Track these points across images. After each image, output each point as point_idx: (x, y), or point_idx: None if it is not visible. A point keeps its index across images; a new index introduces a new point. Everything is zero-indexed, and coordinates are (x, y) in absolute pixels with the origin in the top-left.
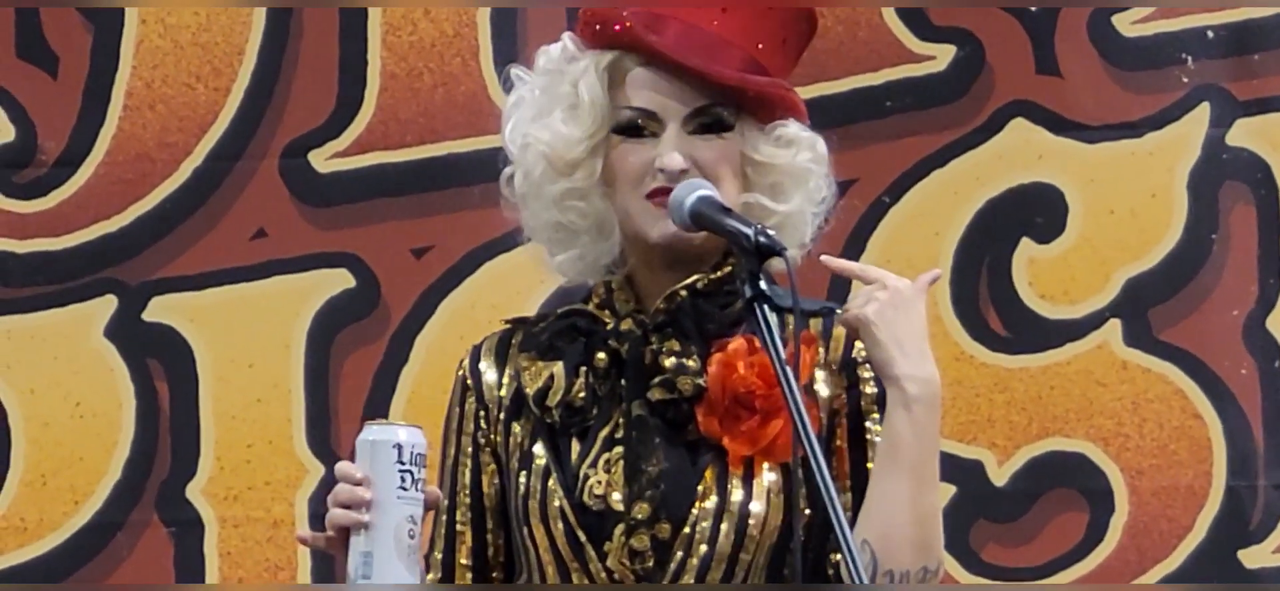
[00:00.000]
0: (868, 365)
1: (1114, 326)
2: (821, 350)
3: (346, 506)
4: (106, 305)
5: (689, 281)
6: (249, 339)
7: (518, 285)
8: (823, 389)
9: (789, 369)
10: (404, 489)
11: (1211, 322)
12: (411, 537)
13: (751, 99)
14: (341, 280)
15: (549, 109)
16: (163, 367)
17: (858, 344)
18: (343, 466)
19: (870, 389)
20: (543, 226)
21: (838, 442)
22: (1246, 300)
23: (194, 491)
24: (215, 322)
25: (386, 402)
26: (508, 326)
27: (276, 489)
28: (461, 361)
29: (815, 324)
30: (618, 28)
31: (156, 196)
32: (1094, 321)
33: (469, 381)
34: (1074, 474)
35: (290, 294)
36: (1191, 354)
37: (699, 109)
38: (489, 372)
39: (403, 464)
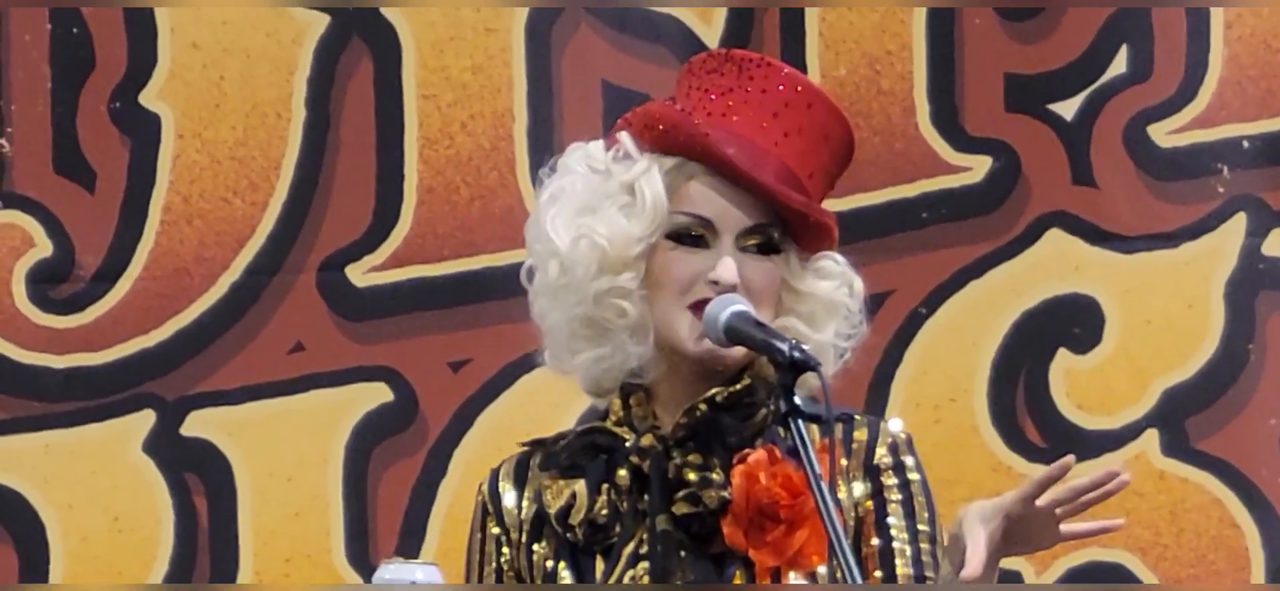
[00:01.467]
0: (891, 471)
1: (1151, 436)
2: (844, 458)
3: None
4: (144, 420)
5: (709, 395)
6: (287, 453)
7: (555, 398)
8: (845, 495)
9: (823, 485)
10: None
11: (1249, 432)
12: None
13: (803, 226)
14: (379, 394)
15: (595, 206)
16: (201, 482)
17: (879, 449)
18: None
19: (895, 495)
20: (570, 322)
21: (866, 549)
22: None
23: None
24: (253, 437)
25: (424, 516)
26: (525, 448)
27: None
28: (480, 486)
29: (838, 429)
30: (691, 134)
31: (194, 311)
32: (1131, 432)
33: (489, 506)
34: (1112, 584)
35: (328, 408)
36: (1229, 463)
37: (756, 227)
38: (508, 495)
39: None
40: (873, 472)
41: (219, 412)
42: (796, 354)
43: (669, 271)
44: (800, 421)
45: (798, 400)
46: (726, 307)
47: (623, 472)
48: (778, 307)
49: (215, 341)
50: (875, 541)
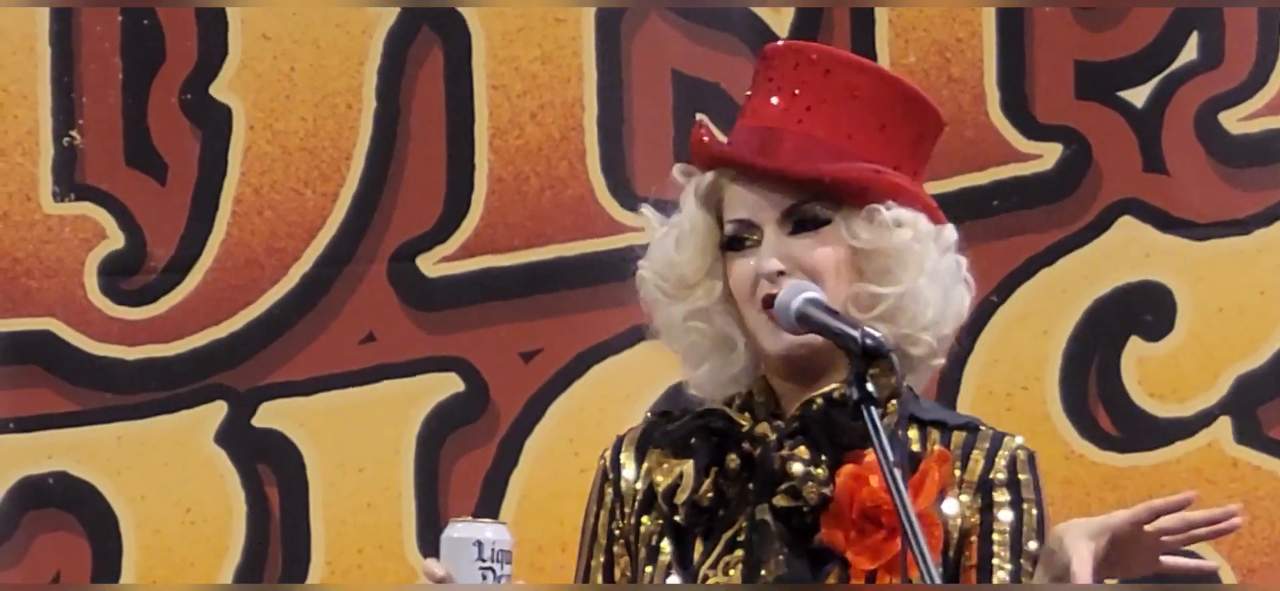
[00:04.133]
0: (1004, 488)
1: (1224, 424)
2: (958, 468)
3: None
4: (216, 411)
5: (825, 390)
6: (359, 444)
7: (626, 388)
8: (951, 506)
9: (897, 474)
10: (484, 581)
11: None
12: None
13: (844, 189)
14: (451, 384)
15: (664, 239)
16: (273, 472)
17: (998, 462)
18: (426, 564)
19: (1004, 515)
20: (678, 349)
21: (966, 564)
22: None
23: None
24: (325, 427)
25: (496, 506)
26: (652, 419)
27: None
28: (604, 452)
29: (958, 438)
30: (706, 147)
31: (265, 301)
32: (1204, 419)
33: (609, 472)
34: (1186, 572)
35: (399, 398)
36: None
37: (790, 209)
38: (628, 465)
39: (484, 561)
40: (985, 488)
41: (290, 403)
42: (868, 341)
43: (734, 280)
44: (872, 410)
45: (871, 389)
46: (797, 295)
47: (733, 458)
48: (854, 275)
49: (286, 332)
50: (975, 558)
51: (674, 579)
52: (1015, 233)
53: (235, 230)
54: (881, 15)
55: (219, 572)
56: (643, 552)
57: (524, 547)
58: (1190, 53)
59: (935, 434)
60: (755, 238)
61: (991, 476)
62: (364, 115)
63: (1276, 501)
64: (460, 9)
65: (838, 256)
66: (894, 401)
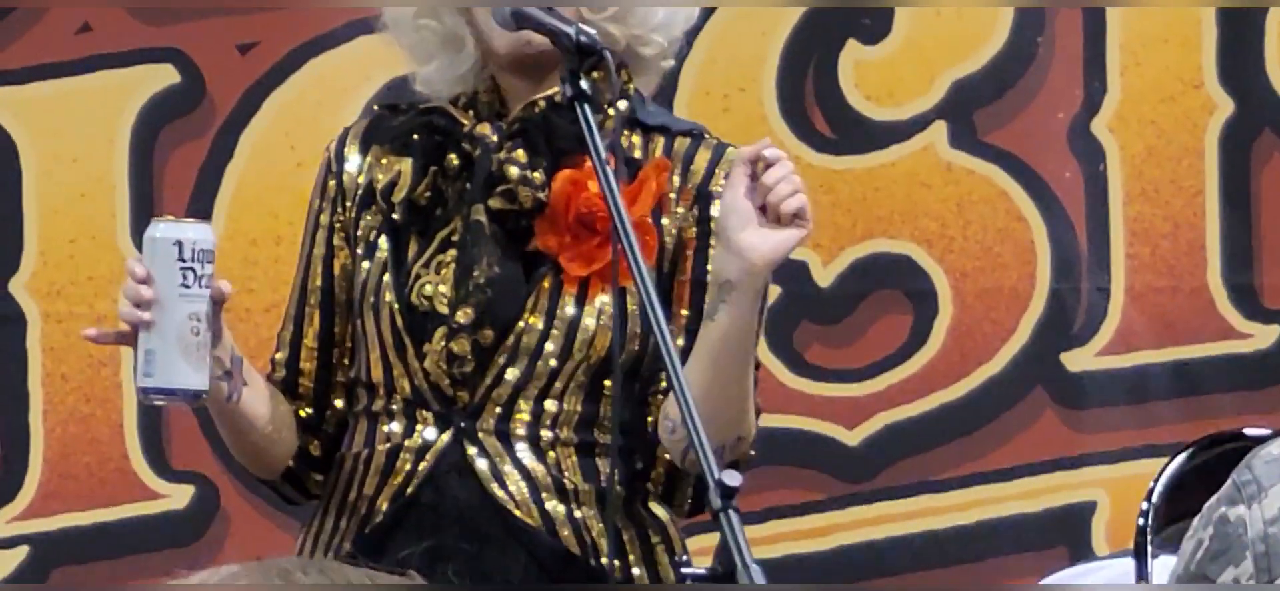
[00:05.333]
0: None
1: (939, 128)
2: (678, 176)
3: (134, 303)
4: None
5: (548, 93)
6: (73, 133)
7: (344, 83)
8: (671, 216)
9: (610, 175)
10: (186, 287)
11: (1037, 125)
12: (195, 334)
13: None
14: (167, 75)
15: None
16: None
17: (718, 174)
18: (129, 263)
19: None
20: (405, 45)
21: (680, 277)
22: (1071, 103)
23: (17, 286)
24: (39, 117)
25: (211, 199)
26: (380, 111)
27: (99, 284)
28: (329, 144)
29: (681, 145)
30: None
31: None
32: (919, 123)
33: (333, 165)
34: (899, 275)
35: (114, 89)
36: (1016, 157)
37: None
38: (352, 158)
39: (184, 261)
40: (704, 200)
41: (4, 92)
42: (583, 38)
43: None
44: (586, 108)
45: (584, 86)
46: None
47: (453, 157)
48: None
49: (1, 21)
50: (690, 272)
51: (387, 278)
52: None
53: None
54: None
55: None
56: (361, 248)
57: (237, 242)
58: None
59: (659, 140)
60: None
61: (711, 187)
62: None
63: (990, 205)
64: None
65: None
66: (624, 102)
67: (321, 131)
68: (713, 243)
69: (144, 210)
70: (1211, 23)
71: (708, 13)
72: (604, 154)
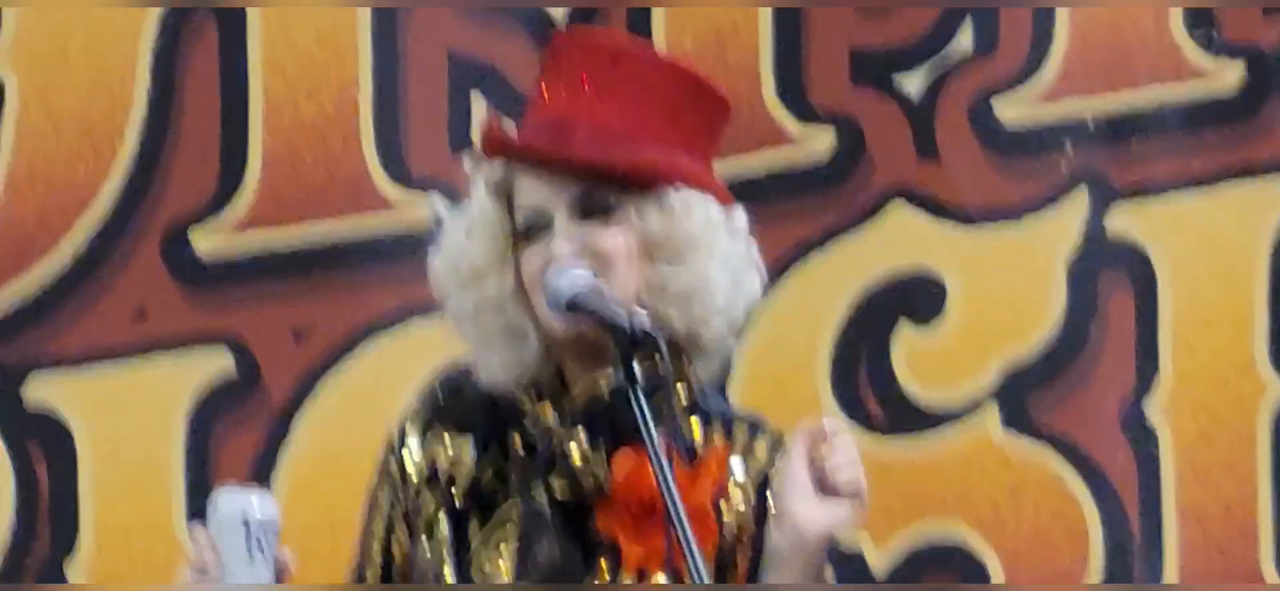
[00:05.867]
0: None
1: (991, 411)
2: (740, 463)
3: (198, 572)
4: None
5: (611, 376)
6: (129, 420)
7: (399, 368)
8: (729, 504)
9: (664, 462)
10: (251, 558)
11: (1089, 408)
12: None
13: (634, 175)
14: (222, 361)
15: (455, 228)
16: (41, 448)
17: (778, 463)
18: (193, 534)
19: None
20: (468, 338)
21: (739, 564)
22: (1124, 386)
23: (72, 570)
24: (95, 403)
25: (266, 483)
26: (440, 395)
27: (155, 570)
28: (391, 426)
29: (741, 432)
30: (495, 137)
31: (35, 276)
32: (972, 406)
33: (395, 447)
34: (951, 558)
35: (170, 374)
36: (1069, 440)
37: (580, 196)
38: (412, 438)
39: (249, 533)
40: (763, 488)
41: (60, 378)
42: (636, 324)
43: (526, 268)
44: (640, 395)
45: (637, 372)
46: (566, 279)
47: (516, 439)
48: (647, 260)
49: (57, 307)
50: (748, 558)
51: (448, 557)
52: (788, 218)
53: (6, 205)
54: None
55: None
56: (422, 529)
57: (293, 527)
58: (965, 40)
59: (719, 427)
60: (547, 226)
61: (770, 476)
62: (138, 91)
63: (1042, 489)
64: None
65: (629, 242)
66: (681, 385)
67: (377, 416)
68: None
69: (200, 496)
70: (1263, 306)
71: (764, 295)
72: (659, 440)
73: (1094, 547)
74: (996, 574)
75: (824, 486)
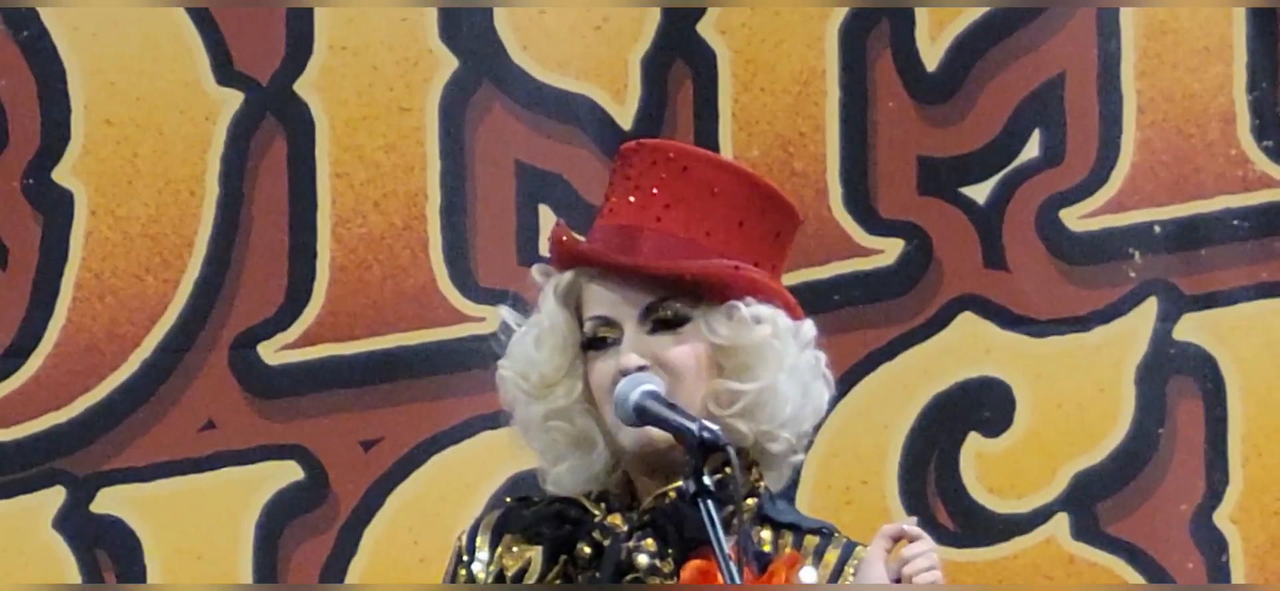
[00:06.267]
0: None
1: (1061, 520)
2: (811, 571)
3: None
4: (55, 496)
5: (678, 484)
6: (197, 531)
7: (467, 478)
8: None
9: (733, 568)
10: None
11: (1159, 517)
12: None
13: (704, 286)
14: (290, 472)
15: (524, 338)
16: (111, 558)
17: (847, 571)
18: None
19: None
20: (537, 447)
21: None
22: (1194, 494)
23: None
24: (163, 514)
25: None
26: (510, 504)
27: None
28: (460, 534)
29: (810, 541)
30: (564, 247)
31: (105, 387)
32: (1041, 515)
33: (463, 554)
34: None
35: (239, 485)
36: (1139, 548)
37: (650, 306)
38: (482, 548)
39: None
40: None
41: (129, 489)
42: (706, 435)
43: (594, 378)
44: (708, 503)
45: (708, 482)
46: (635, 388)
47: (584, 547)
48: (715, 372)
49: (126, 418)
50: None
51: None
52: (856, 327)
53: (76, 316)
54: (725, 108)
55: None
56: None
57: None
58: (1032, 150)
59: (788, 536)
60: (615, 336)
61: (841, 584)
62: (206, 202)
63: None
64: (304, 94)
65: (697, 353)
66: (751, 499)
67: (445, 527)
68: None
69: None
70: None
71: (833, 403)
72: (728, 550)
73: None
74: None
75: (901, 582)
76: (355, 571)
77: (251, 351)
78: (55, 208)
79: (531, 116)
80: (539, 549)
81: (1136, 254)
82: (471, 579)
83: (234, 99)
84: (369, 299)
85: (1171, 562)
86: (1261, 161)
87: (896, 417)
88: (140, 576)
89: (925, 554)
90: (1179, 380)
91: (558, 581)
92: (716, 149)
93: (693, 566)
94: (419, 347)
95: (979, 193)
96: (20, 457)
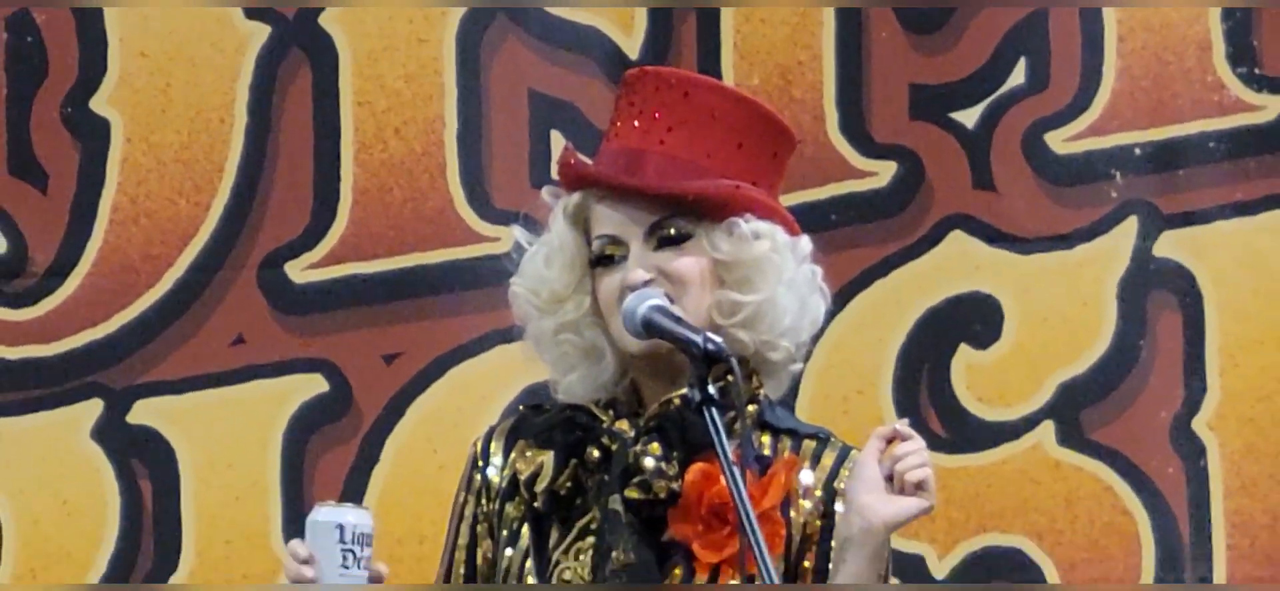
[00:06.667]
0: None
1: (1047, 428)
2: (808, 472)
3: (296, 581)
4: (93, 408)
5: (684, 390)
6: (228, 441)
7: (483, 390)
8: (798, 510)
9: (736, 471)
10: (346, 568)
11: (1140, 424)
12: None
13: (705, 204)
14: (316, 385)
15: (535, 256)
16: (146, 467)
17: (842, 472)
18: (292, 545)
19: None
20: (548, 359)
21: (806, 564)
22: (1173, 402)
23: (177, 586)
24: (196, 425)
25: (358, 501)
26: (522, 411)
27: (254, 580)
28: (475, 440)
29: (808, 445)
30: (572, 168)
31: (140, 305)
32: (1028, 423)
33: (478, 460)
34: (1010, 567)
35: (267, 397)
36: (1121, 453)
37: (654, 225)
38: (496, 454)
39: (345, 543)
40: (829, 496)
41: (163, 402)
42: (710, 346)
43: (602, 293)
44: (713, 411)
45: (712, 391)
46: (642, 302)
47: (593, 451)
48: (716, 285)
49: (160, 334)
50: (814, 561)
51: (530, 564)
52: (852, 246)
53: (112, 237)
54: (727, 39)
55: (94, 561)
56: (504, 536)
57: (383, 540)
58: (1018, 77)
59: (787, 441)
60: (622, 253)
61: (835, 485)
62: (236, 129)
63: (1096, 501)
64: (328, 27)
65: (701, 267)
66: (752, 406)
67: (462, 437)
68: (835, 538)
69: (296, 513)
70: None
71: (830, 318)
72: (731, 454)
73: (1146, 555)
74: (1053, 581)
75: (894, 480)
76: (377, 479)
77: (279, 270)
78: (93, 135)
79: (544, 47)
80: (551, 453)
81: (1118, 175)
82: (486, 483)
83: (262, 32)
84: (390, 220)
85: (1152, 468)
86: (1236, 86)
87: (890, 331)
88: (174, 485)
89: (916, 452)
90: (1158, 294)
91: (568, 484)
92: (719, 77)
93: (696, 468)
94: (437, 266)
95: (968, 117)
96: (60, 371)
